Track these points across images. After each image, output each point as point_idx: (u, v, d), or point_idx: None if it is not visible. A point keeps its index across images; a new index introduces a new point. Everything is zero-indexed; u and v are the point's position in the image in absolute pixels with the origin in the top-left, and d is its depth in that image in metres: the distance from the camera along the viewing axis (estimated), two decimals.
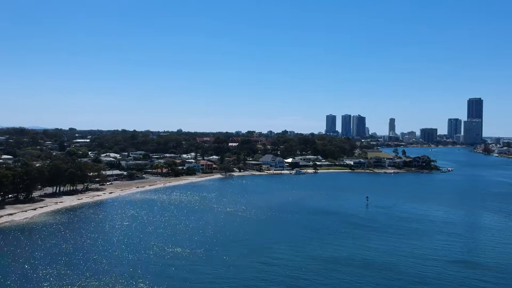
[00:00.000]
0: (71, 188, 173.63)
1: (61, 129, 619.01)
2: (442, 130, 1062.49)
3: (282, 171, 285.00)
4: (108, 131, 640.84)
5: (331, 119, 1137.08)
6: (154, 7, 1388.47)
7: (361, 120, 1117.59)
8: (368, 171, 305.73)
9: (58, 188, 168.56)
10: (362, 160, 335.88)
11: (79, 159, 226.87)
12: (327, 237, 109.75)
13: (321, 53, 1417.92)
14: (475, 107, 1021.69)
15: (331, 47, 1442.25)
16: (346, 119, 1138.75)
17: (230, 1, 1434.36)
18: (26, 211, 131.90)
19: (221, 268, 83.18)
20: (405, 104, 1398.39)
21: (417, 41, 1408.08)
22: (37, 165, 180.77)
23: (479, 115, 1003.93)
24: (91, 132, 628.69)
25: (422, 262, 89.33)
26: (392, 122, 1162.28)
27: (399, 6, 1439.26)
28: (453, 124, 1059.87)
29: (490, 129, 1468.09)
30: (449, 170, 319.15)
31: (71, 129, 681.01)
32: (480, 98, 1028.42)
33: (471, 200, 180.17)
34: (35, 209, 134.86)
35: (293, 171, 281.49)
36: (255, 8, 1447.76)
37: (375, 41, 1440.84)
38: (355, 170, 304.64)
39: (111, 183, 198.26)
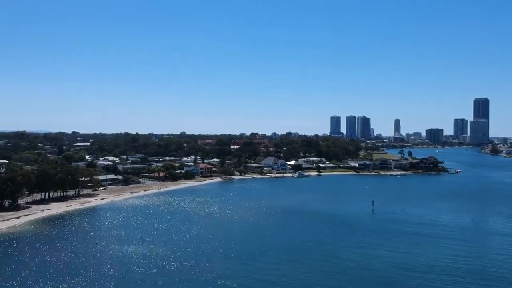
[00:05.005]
0: (61, 194, 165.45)
1: (63, 133, 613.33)
2: (448, 130, 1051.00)
3: (285, 174, 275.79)
4: (111, 134, 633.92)
5: (335, 120, 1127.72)
6: (156, 7, 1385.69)
7: (366, 121, 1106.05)
8: (373, 173, 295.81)
9: (47, 194, 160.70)
10: (367, 162, 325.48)
11: (74, 163, 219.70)
12: (330, 245, 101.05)
13: (325, 53, 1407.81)
14: (481, 107, 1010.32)
15: (335, 47, 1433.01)
16: (350, 120, 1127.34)
17: (233, 1, 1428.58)
18: (8, 219, 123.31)
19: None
20: (410, 104, 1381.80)
21: (422, 41, 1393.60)
22: (30, 169, 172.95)
23: (486, 115, 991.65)
24: (93, 136, 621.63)
25: (436, 271, 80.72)
26: (397, 123, 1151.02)
27: (403, 5, 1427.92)
28: (459, 124, 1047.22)
29: (497, 129, 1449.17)
30: (457, 172, 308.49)
31: (73, 132, 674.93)
32: (486, 98, 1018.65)
33: (483, 203, 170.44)
34: (18, 217, 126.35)
35: (296, 174, 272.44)
36: (257, 8, 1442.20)
37: (379, 41, 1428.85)
38: (360, 173, 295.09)
39: (105, 188, 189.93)
